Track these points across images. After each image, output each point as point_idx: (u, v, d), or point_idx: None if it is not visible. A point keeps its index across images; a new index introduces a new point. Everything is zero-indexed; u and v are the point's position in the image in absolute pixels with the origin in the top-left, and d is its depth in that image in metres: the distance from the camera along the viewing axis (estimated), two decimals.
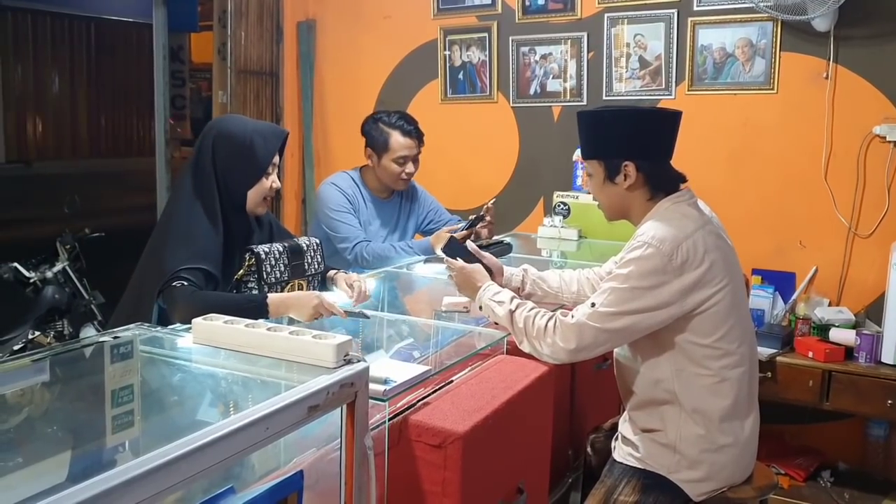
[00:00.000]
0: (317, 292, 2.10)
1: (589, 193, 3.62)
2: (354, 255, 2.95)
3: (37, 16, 8.27)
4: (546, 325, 1.89)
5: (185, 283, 1.98)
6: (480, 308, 2.07)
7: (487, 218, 3.01)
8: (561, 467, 2.29)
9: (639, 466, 1.95)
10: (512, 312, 1.95)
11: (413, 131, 3.05)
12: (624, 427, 2.03)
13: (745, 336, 1.93)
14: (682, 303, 1.82)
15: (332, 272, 2.42)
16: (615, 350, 2.02)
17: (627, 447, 1.99)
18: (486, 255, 2.28)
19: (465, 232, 2.95)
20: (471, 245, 2.28)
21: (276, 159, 2.23)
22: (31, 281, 4.00)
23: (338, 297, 2.24)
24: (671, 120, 2.00)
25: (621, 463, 1.99)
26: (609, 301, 1.84)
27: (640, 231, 1.89)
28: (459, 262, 2.17)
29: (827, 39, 3.37)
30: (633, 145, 1.94)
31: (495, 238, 3.11)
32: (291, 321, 2.01)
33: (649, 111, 2.04)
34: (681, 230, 1.84)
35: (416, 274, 2.83)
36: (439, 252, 2.90)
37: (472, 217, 3.02)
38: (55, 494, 0.83)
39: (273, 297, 2.05)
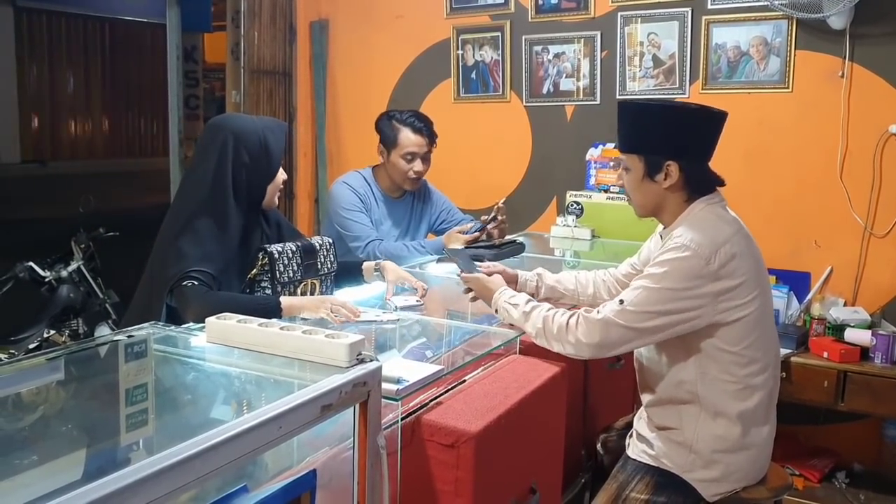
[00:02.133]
0: (330, 297, 2.11)
1: (604, 192, 3.62)
2: (367, 253, 2.95)
3: (52, 16, 8.34)
4: (567, 323, 1.86)
5: (196, 283, 1.99)
6: (496, 311, 2.06)
7: (500, 217, 3.01)
8: (574, 467, 2.29)
9: (652, 464, 1.94)
10: (527, 314, 1.94)
11: (423, 129, 3.05)
12: (639, 424, 2.02)
13: (770, 344, 1.91)
14: (714, 308, 1.80)
15: (370, 264, 2.49)
16: (639, 349, 2.00)
17: (642, 444, 1.98)
18: (498, 266, 2.28)
19: (476, 234, 2.95)
20: (482, 265, 2.28)
21: None
22: (47, 280, 4.03)
23: (348, 297, 2.25)
24: (718, 121, 1.95)
25: (635, 460, 1.98)
26: (639, 300, 1.81)
27: (676, 233, 1.86)
28: (475, 273, 2.16)
29: (842, 37, 3.35)
30: (679, 144, 1.90)
31: (508, 237, 3.10)
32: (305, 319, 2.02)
33: (699, 109, 1.97)
34: (719, 234, 1.82)
35: (429, 273, 2.82)
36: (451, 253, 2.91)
37: (483, 217, 3.02)
38: (70, 492, 0.83)
39: (287, 301, 2.06)
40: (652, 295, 1.80)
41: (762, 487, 1.96)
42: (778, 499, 2.03)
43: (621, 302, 1.83)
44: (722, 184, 1.97)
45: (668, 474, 1.91)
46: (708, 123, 1.94)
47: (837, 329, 3.25)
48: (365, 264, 2.50)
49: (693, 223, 1.87)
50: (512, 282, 2.25)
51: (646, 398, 2.00)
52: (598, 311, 1.86)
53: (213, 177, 2.15)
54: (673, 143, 1.90)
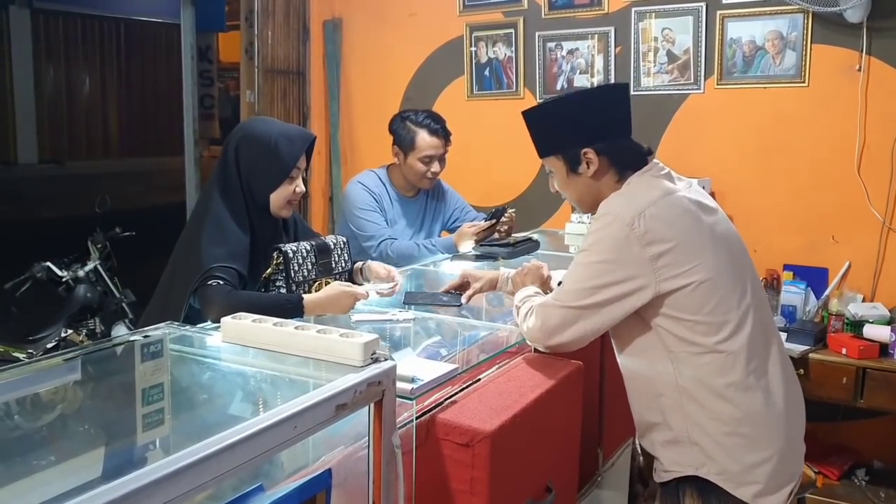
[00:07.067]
0: (346, 288, 2.09)
1: None
2: (379, 252, 2.95)
3: (68, 17, 8.39)
4: (527, 312, 1.85)
5: (221, 283, 1.99)
6: None
7: (505, 217, 3.01)
8: (589, 466, 2.28)
9: (670, 479, 1.80)
10: (518, 307, 1.94)
11: (440, 130, 3.05)
12: (645, 442, 1.89)
13: (742, 302, 1.73)
14: (654, 275, 1.67)
15: (359, 263, 2.47)
16: (619, 361, 1.90)
17: (656, 463, 1.84)
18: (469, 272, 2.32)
19: (487, 228, 2.95)
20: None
21: (303, 164, 2.21)
22: (64, 280, 4.07)
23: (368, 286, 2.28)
24: (619, 93, 1.89)
25: (659, 483, 1.84)
26: (573, 278, 1.75)
27: (602, 204, 1.79)
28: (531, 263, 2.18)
29: (860, 31, 3.32)
30: (588, 130, 1.83)
31: (522, 235, 3.10)
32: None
33: (593, 90, 1.92)
34: (643, 198, 1.73)
35: (443, 271, 2.82)
36: (463, 250, 2.93)
37: (493, 209, 3.02)
38: (87, 492, 0.84)
39: (308, 299, 2.06)
40: (584, 271, 1.73)
41: None
42: (800, 496, 1.98)
43: (559, 284, 1.79)
44: (650, 153, 1.87)
45: (691, 480, 1.76)
46: (610, 99, 1.87)
47: (856, 325, 3.22)
48: (354, 267, 2.49)
49: (621, 191, 1.80)
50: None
51: (630, 402, 1.89)
52: (545, 298, 1.84)
53: (223, 177, 2.16)
54: (581, 131, 1.84)
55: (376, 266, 2.44)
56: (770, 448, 1.74)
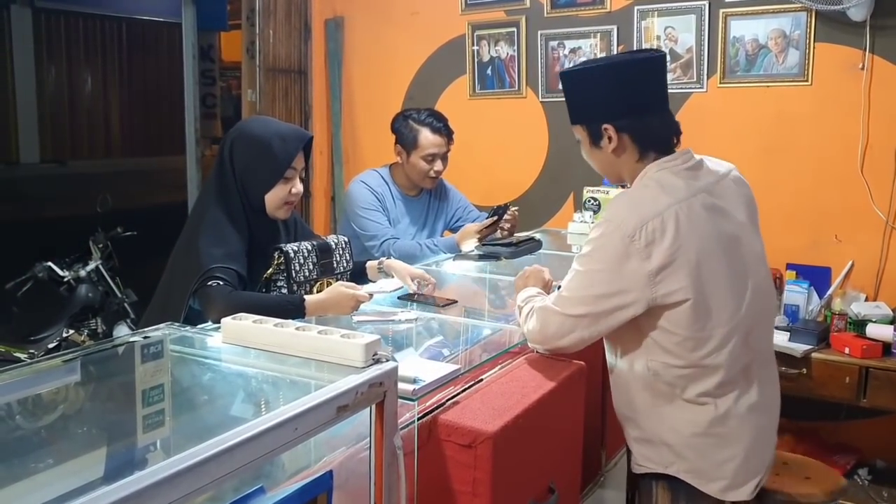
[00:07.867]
0: (350, 291, 2.08)
1: (621, 187, 3.60)
2: (382, 252, 2.95)
3: (69, 17, 8.39)
4: (528, 313, 1.85)
5: (221, 283, 1.98)
6: None
7: (507, 215, 3.01)
8: (592, 466, 2.27)
9: (643, 473, 1.83)
10: (520, 308, 1.94)
11: (442, 129, 3.04)
12: (625, 434, 1.91)
13: (735, 315, 1.70)
14: (652, 290, 1.64)
15: (373, 262, 2.49)
16: (608, 360, 1.90)
17: (633, 456, 1.88)
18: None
19: (490, 226, 2.94)
20: None
21: (300, 164, 2.17)
22: (65, 280, 4.07)
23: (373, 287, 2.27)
24: (651, 66, 1.79)
25: (636, 475, 1.88)
26: (572, 285, 1.74)
27: (608, 206, 1.77)
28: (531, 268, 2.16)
29: (863, 29, 3.30)
30: (611, 105, 1.77)
31: (525, 234, 3.09)
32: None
33: (623, 62, 1.80)
34: (651, 206, 1.66)
35: (445, 271, 2.82)
36: (465, 249, 2.93)
37: (495, 207, 3.02)
38: (88, 494, 0.84)
39: (310, 299, 2.05)
40: (583, 279, 1.71)
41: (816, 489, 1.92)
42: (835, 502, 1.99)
43: (559, 287, 1.78)
44: (678, 132, 1.82)
45: (662, 476, 1.79)
46: (639, 73, 1.78)
47: (859, 324, 3.20)
48: (368, 264, 2.49)
49: (630, 193, 1.76)
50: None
51: (613, 395, 1.90)
52: (545, 301, 1.83)
53: (220, 179, 2.14)
54: (604, 105, 1.78)
55: (401, 265, 2.46)
56: (738, 445, 1.75)
